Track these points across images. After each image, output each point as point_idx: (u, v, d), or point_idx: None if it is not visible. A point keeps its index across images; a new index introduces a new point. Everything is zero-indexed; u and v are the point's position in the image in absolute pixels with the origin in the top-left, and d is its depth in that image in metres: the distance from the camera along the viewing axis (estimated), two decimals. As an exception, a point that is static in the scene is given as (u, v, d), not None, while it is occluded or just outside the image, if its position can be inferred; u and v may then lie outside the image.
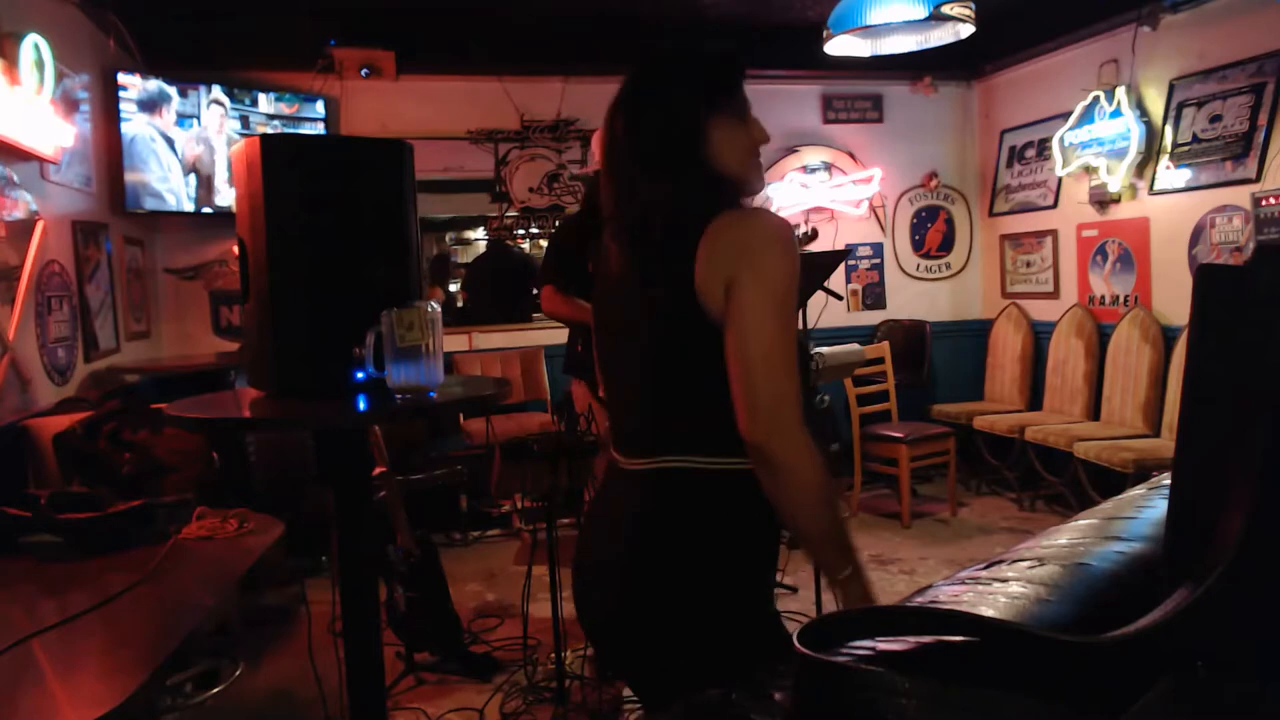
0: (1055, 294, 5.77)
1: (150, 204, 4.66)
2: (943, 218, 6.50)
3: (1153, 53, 4.92)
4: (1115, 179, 5.11)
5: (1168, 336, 4.83)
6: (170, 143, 4.77)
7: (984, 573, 1.19)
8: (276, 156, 1.66)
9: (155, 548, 1.90)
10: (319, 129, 5.27)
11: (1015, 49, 5.85)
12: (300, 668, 2.83)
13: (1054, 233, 5.75)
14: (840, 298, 4.08)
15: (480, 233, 7.21)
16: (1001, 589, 1.10)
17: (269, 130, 5.13)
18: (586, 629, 1.52)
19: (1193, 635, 0.83)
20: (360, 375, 1.63)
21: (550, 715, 3.04)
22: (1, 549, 1.95)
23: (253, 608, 3.83)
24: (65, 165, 3.70)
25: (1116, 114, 5.05)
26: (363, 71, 5.27)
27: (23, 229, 3.24)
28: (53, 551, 1.94)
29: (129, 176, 4.53)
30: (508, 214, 5.73)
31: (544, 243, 5.42)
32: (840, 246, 5.93)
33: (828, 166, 6.20)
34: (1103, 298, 5.37)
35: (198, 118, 4.90)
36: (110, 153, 4.47)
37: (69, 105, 3.76)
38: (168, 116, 4.75)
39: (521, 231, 5.79)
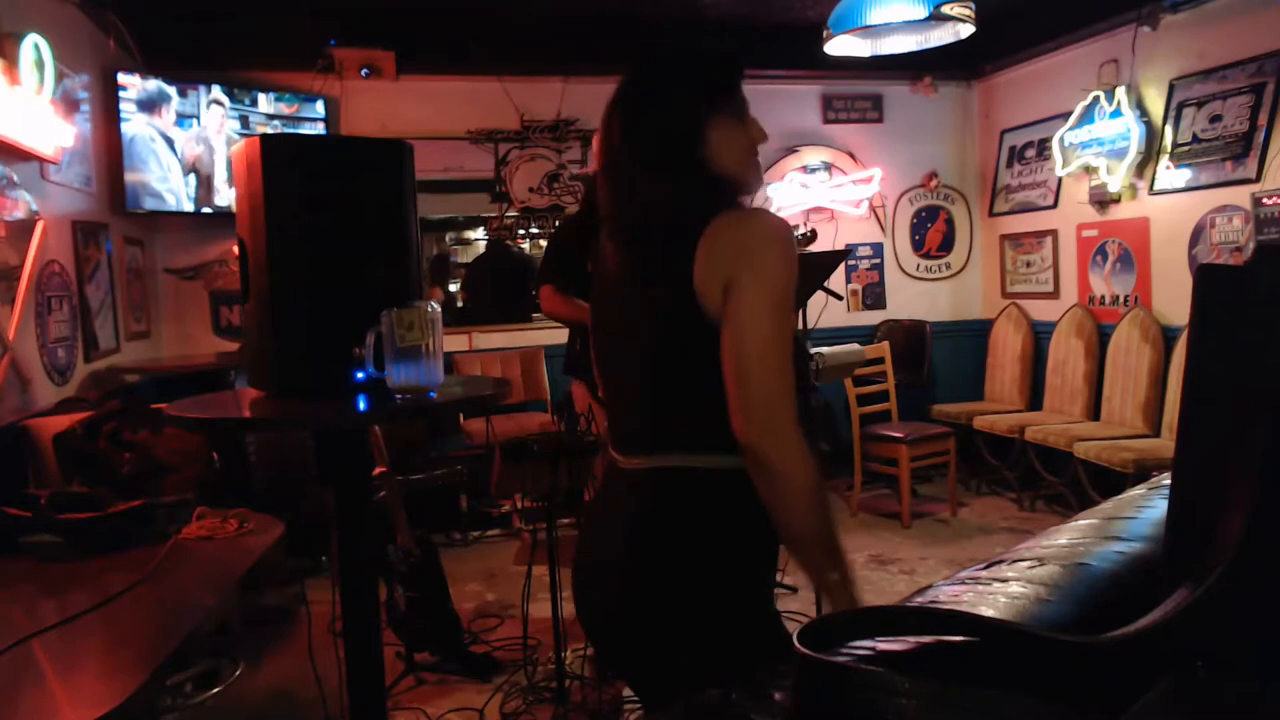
0: (1055, 294, 5.77)
1: (150, 204, 4.66)
2: (943, 218, 6.50)
3: (1153, 53, 4.92)
4: (1115, 179, 5.11)
5: (1168, 336, 4.83)
6: (170, 143, 4.77)
7: (984, 573, 1.19)
8: (276, 156, 1.66)
9: (155, 548, 1.90)
10: (319, 129, 5.27)
11: (1015, 49, 5.85)
12: (300, 668, 2.83)
13: (1054, 233, 5.75)
14: (840, 298, 4.08)
15: (480, 233, 7.20)
16: (1001, 589, 1.10)
17: (269, 130, 5.13)
18: (586, 629, 1.52)
19: (1193, 635, 0.83)
20: (360, 375, 1.63)
21: (550, 715, 3.04)
22: (1, 549, 1.95)
23: (253, 608, 3.83)
24: (65, 165, 3.70)
25: (1116, 114, 5.05)
26: (363, 71, 5.27)
27: (23, 229, 3.24)
28: (53, 551, 1.94)
29: (129, 176, 4.53)
30: (508, 214, 5.73)
31: (544, 243, 5.42)
32: (840, 246, 5.93)
33: (828, 166, 6.20)
34: (1103, 298, 5.37)
35: (197, 118, 4.91)
36: (110, 153, 4.47)
37: (69, 105, 3.76)
38: (167, 116, 4.75)
39: (521, 231, 5.79)
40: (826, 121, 6.24)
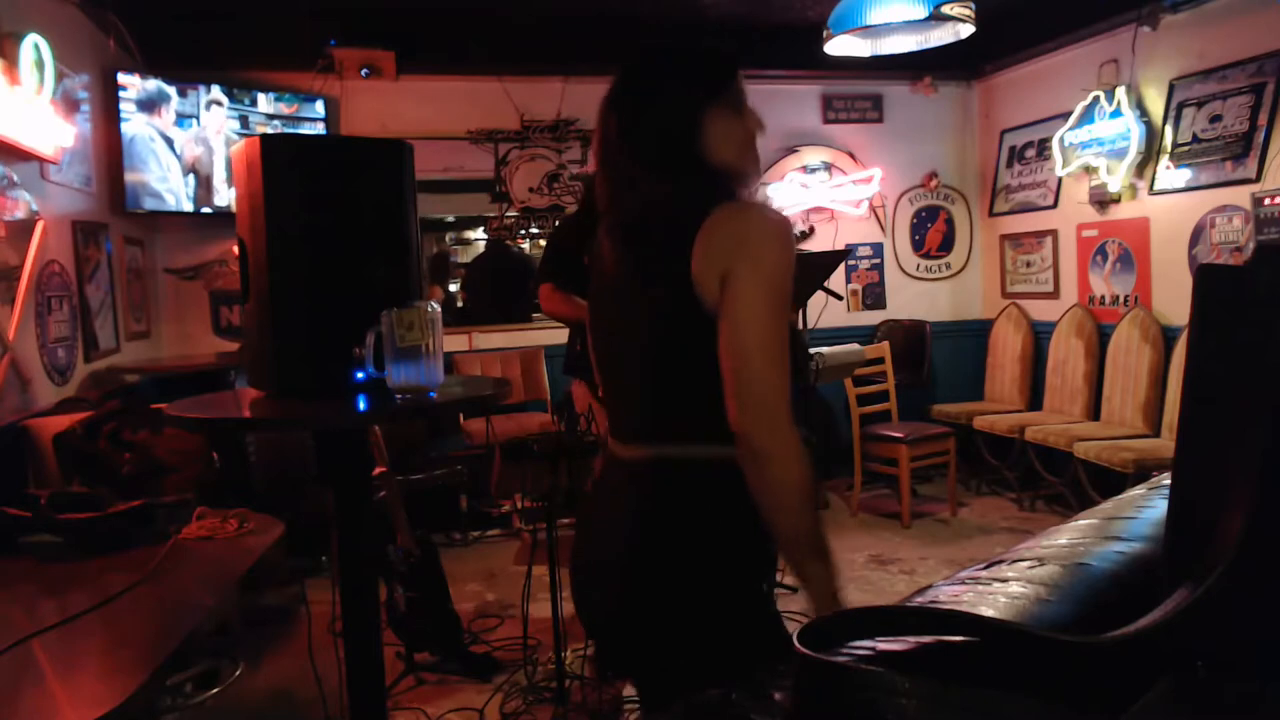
0: (1055, 294, 5.77)
1: (150, 204, 4.66)
2: (943, 218, 6.50)
3: (1153, 53, 4.92)
4: (1115, 179, 5.11)
5: (1168, 336, 4.83)
6: (170, 143, 4.77)
7: (984, 573, 1.19)
8: (276, 156, 1.66)
9: (155, 548, 1.90)
10: (319, 129, 5.27)
11: (1015, 49, 5.85)
12: (300, 668, 2.83)
13: (1054, 233, 5.75)
14: (840, 298, 4.08)
15: (480, 233, 7.21)
16: (1001, 589, 1.10)
17: (268, 130, 5.13)
18: (586, 625, 1.52)
19: (1193, 635, 0.83)
20: (360, 375, 1.63)
21: (550, 715, 3.04)
22: (1, 549, 1.95)
23: (253, 608, 3.83)
24: (65, 165, 3.70)
25: (1116, 114, 5.05)
26: (363, 71, 5.27)
27: (23, 229, 3.24)
28: (53, 551, 1.94)
29: (129, 176, 4.53)
30: (508, 214, 5.73)
31: (544, 243, 5.42)
32: (840, 246, 5.94)
33: (828, 166, 6.20)
34: (1103, 298, 5.37)
35: (197, 118, 4.91)
36: (110, 153, 4.47)
37: (69, 105, 3.76)
38: (167, 116, 4.75)
39: (521, 231, 5.79)
40: (826, 121, 6.24)
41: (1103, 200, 5.25)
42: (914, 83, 6.24)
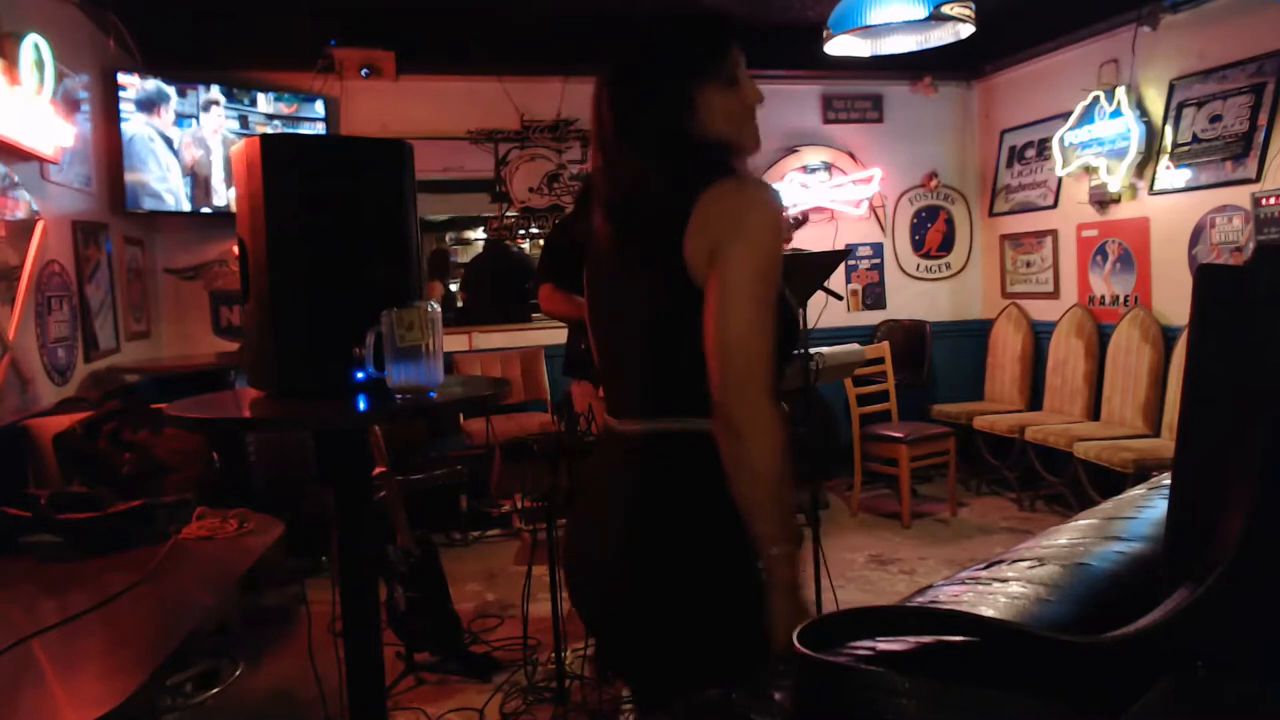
0: (1055, 294, 5.77)
1: (149, 204, 4.66)
2: (943, 218, 6.50)
3: (1153, 53, 4.92)
4: (1115, 179, 5.11)
5: (1168, 336, 4.83)
6: (169, 143, 4.77)
7: (984, 573, 1.19)
8: (276, 156, 1.66)
9: (155, 548, 1.90)
10: (318, 129, 5.27)
11: (1015, 49, 5.85)
12: (300, 668, 2.83)
13: (1054, 233, 5.75)
14: (840, 298, 4.08)
15: (480, 233, 7.20)
16: (1001, 589, 1.10)
17: (268, 130, 5.13)
18: (584, 620, 1.52)
19: (1193, 635, 0.83)
20: (360, 375, 1.63)
21: (550, 715, 3.04)
22: (1, 549, 1.95)
23: (253, 608, 3.83)
24: (65, 165, 3.70)
25: (1116, 114, 5.05)
26: (363, 71, 5.27)
27: (23, 229, 3.24)
28: (53, 551, 1.94)
29: (128, 176, 4.53)
30: (508, 214, 5.73)
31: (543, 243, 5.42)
32: (840, 246, 5.93)
33: (828, 166, 6.20)
34: (1103, 298, 5.37)
35: (196, 118, 4.90)
36: (110, 153, 4.47)
37: (69, 105, 3.76)
38: (166, 116, 4.75)
39: (521, 231, 5.79)
40: (826, 121, 6.24)
41: (1103, 200, 5.25)
42: (914, 83, 6.24)
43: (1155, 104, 4.92)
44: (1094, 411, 5.24)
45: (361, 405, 1.62)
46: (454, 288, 7.04)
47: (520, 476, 5.11)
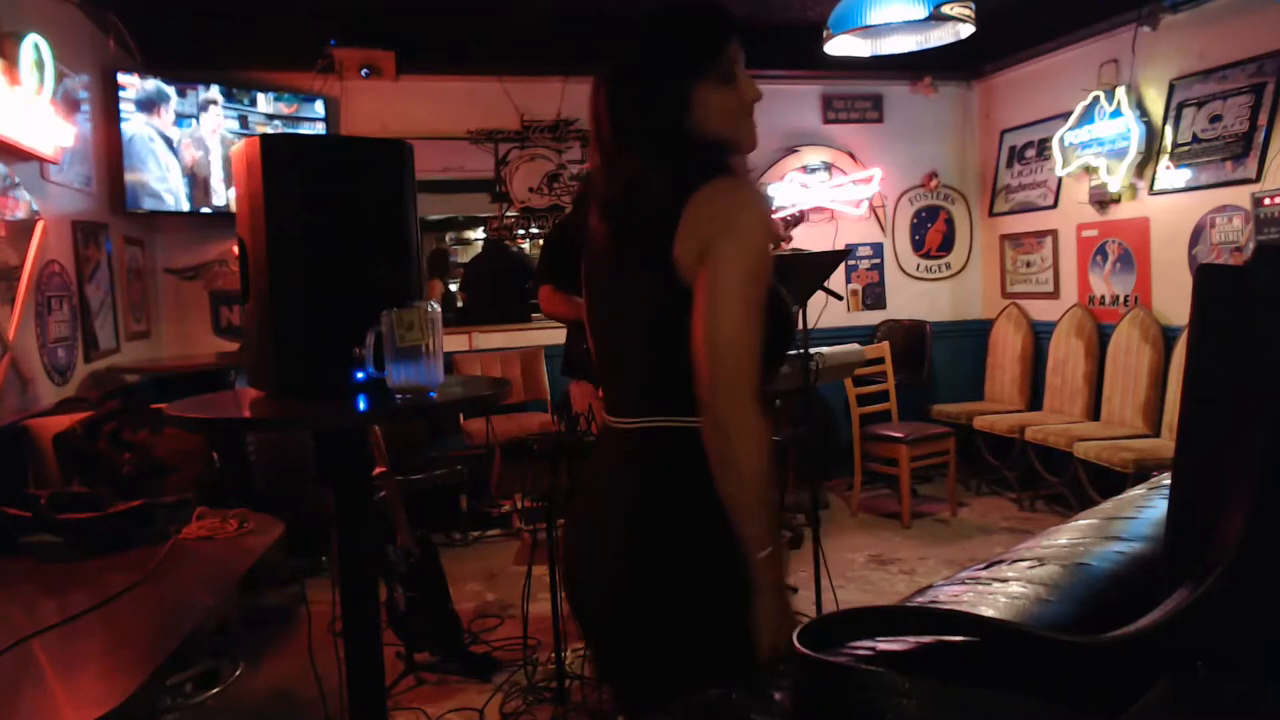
0: (1055, 294, 5.77)
1: (149, 204, 4.66)
2: (943, 218, 6.50)
3: (1153, 53, 4.92)
4: (1115, 179, 5.11)
5: (1168, 336, 4.83)
6: (169, 142, 4.77)
7: (984, 573, 1.19)
8: (276, 156, 1.66)
9: (155, 548, 1.90)
10: (318, 129, 5.27)
11: (1015, 49, 5.85)
12: (300, 668, 2.83)
13: (1054, 233, 5.75)
14: (840, 298, 4.08)
15: (480, 233, 7.21)
16: (1001, 589, 1.10)
17: (268, 130, 5.13)
18: (580, 621, 1.51)
19: (1193, 635, 0.83)
20: (360, 375, 1.63)
21: (550, 715, 3.04)
22: (1, 549, 1.95)
23: (253, 608, 3.83)
24: (65, 165, 3.70)
25: (1116, 114, 5.05)
26: (363, 71, 5.27)
27: (23, 229, 3.24)
28: (53, 551, 1.94)
29: (128, 176, 4.52)
30: (508, 214, 5.73)
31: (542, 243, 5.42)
32: (840, 246, 5.93)
33: (828, 166, 6.20)
34: (1103, 298, 5.37)
35: (196, 118, 4.90)
36: (110, 153, 4.47)
37: (69, 105, 3.76)
38: (166, 116, 4.75)
39: (521, 231, 5.79)
40: (826, 121, 6.24)
41: (1103, 200, 5.25)
42: (914, 83, 6.24)
43: (1155, 104, 4.92)
44: (1094, 411, 5.24)
45: (361, 405, 1.62)
46: (453, 288, 7.04)
47: (520, 476, 5.11)
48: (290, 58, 5.25)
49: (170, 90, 4.76)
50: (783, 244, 5.63)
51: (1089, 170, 5.30)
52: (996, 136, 6.27)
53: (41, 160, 3.43)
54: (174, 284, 5.23)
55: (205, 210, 4.97)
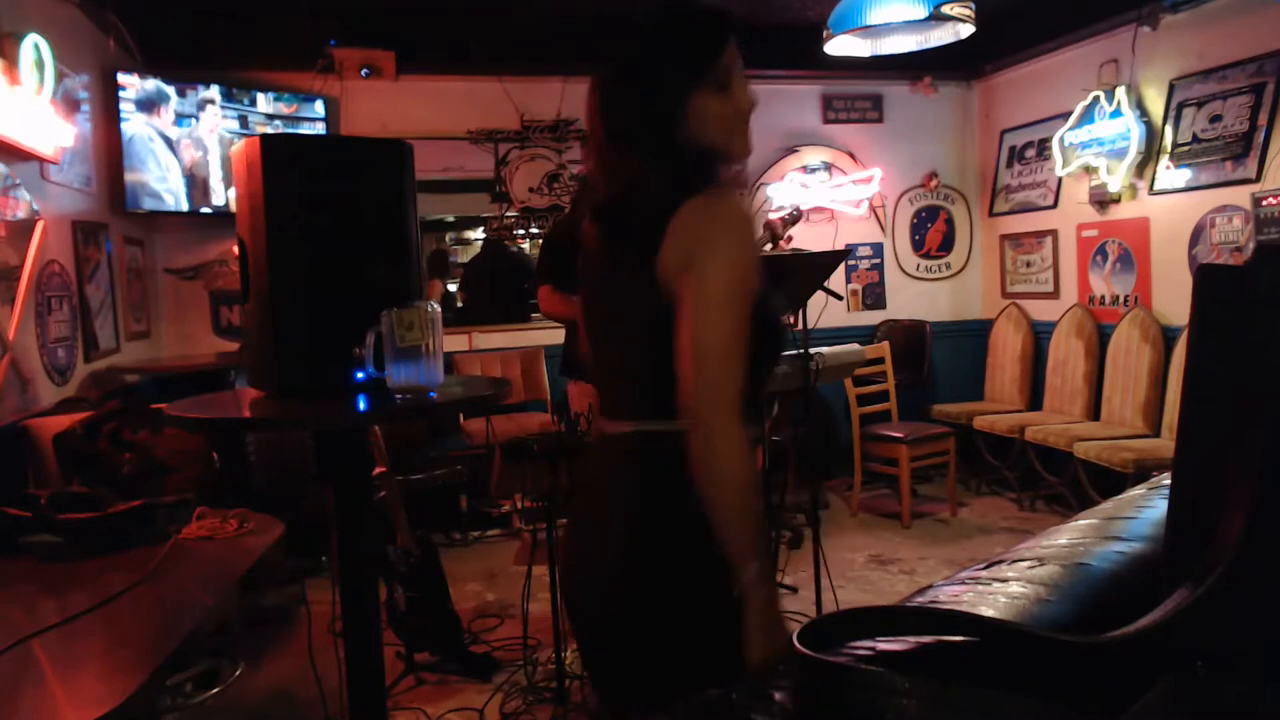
0: (1055, 294, 5.77)
1: (149, 204, 4.66)
2: (943, 218, 6.50)
3: (1153, 53, 4.92)
4: (1115, 179, 5.11)
5: (1168, 336, 4.83)
6: (169, 142, 4.77)
7: (984, 573, 1.19)
8: (276, 156, 1.66)
9: (155, 548, 1.90)
10: (318, 129, 5.27)
11: (1015, 49, 5.85)
12: (300, 668, 2.83)
13: (1054, 233, 5.75)
14: (840, 298, 4.08)
15: (480, 233, 7.21)
16: (1001, 589, 1.10)
17: (268, 130, 5.13)
18: (575, 623, 1.51)
19: (1193, 635, 0.83)
20: (360, 375, 1.63)
21: (550, 715, 3.04)
22: (1, 549, 1.95)
23: (253, 608, 3.83)
24: (65, 165, 3.70)
25: (1116, 114, 5.05)
26: (363, 71, 5.27)
27: (23, 229, 3.24)
28: (53, 551, 1.94)
29: (128, 176, 4.52)
30: (508, 214, 5.73)
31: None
32: (840, 246, 5.93)
33: (828, 166, 6.20)
34: (1103, 298, 5.37)
35: (196, 117, 4.90)
36: (110, 153, 4.47)
37: (69, 105, 3.76)
38: (166, 116, 4.75)
39: (521, 231, 5.79)
40: (826, 121, 6.23)
41: (1103, 200, 5.25)
42: (914, 83, 6.24)
43: (1155, 104, 4.92)
44: (1094, 411, 5.23)
45: (361, 405, 1.62)
46: (453, 288, 7.04)
47: (520, 476, 5.11)
48: (290, 58, 5.25)
49: (170, 90, 4.76)
50: (782, 244, 5.63)
51: (1089, 170, 5.30)
52: (996, 136, 6.27)
53: (41, 160, 3.43)
54: (174, 284, 5.23)
55: (205, 210, 4.97)
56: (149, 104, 4.65)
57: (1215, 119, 4.56)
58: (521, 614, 3.31)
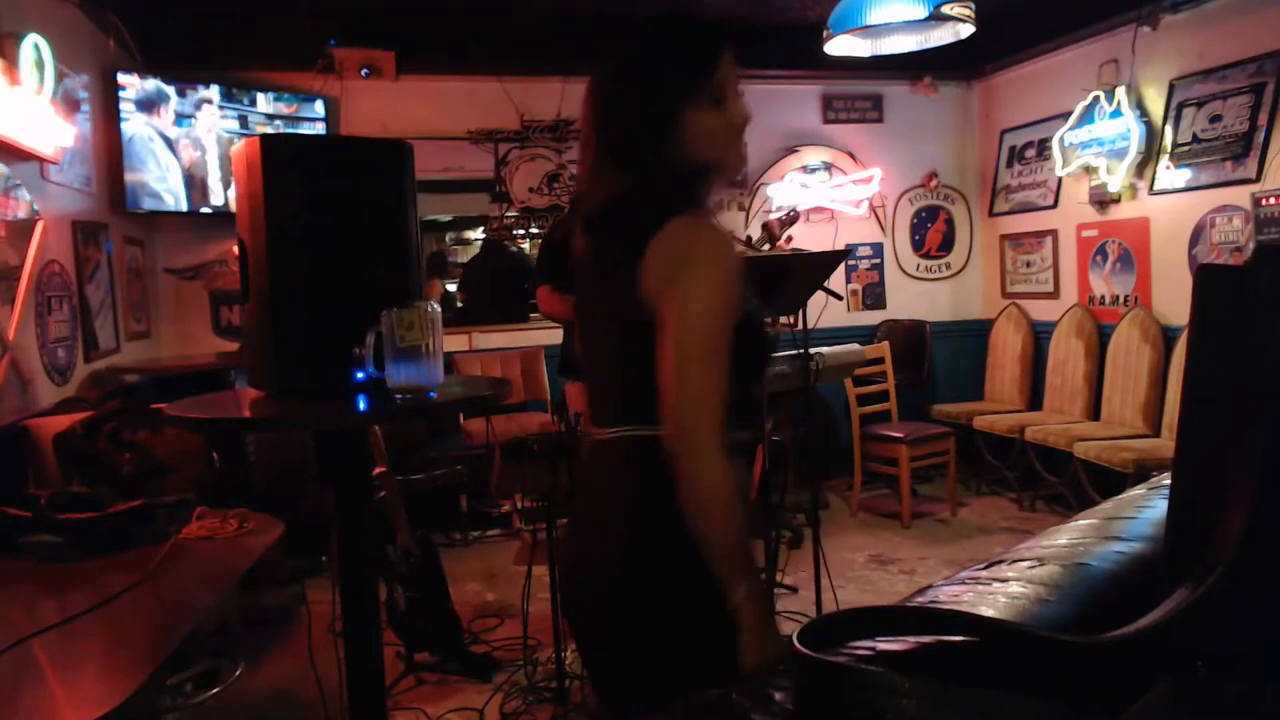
0: (1055, 294, 5.77)
1: (149, 204, 4.66)
2: (943, 218, 6.50)
3: (1153, 53, 4.92)
4: (1115, 179, 5.11)
5: (1168, 336, 4.83)
6: (169, 142, 4.77)
7: (984, 573, 1.19)
8: (276, 156, 1.66)
9: (155, 548, 1.90)
10: (318, 129, 5.26)
11: (1015, 49, 5.85)
12: (300, 668, 2.83)
13: (1054, 233, 5.75)
14: (840, 298, 4.08)
15: (480, 233, 7.21)
16: (1001, 589, 1.10)
17: (268, 130, 5.13)
18: (573, 624, 1.52)
19: (1193, 635, 0.83)
20: (360, 375, 1.63)
21: (550, 715, 3.04)
22: (1, 549, 1.95)
23: (253, 608, 3.83)
24: (65, 165, 3.70)
25: (1116, 114, 5.05)
26: (363, 71, 5.27)
27: (23, 229, 3.24)
28: (53, 551, 1.94)
29: (128, 176, 4.52)
30: (508, 214, 5.73)
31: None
32: (840, 246, 5.93)
33: (828, 166, 6.20)
34: (1103, 298, 5.37)
35: (194, 117, 4.90)
36: (110, 153, 4.47)
37: (69, 105, 3.76)
38: (166, 116, 4.75)
39: (521, 231, 5.79)
40: (826, 121, 6.23)
41: (1103, 200, 5.25)
42: (914, 83, 6.24)
43: (1155, 104, 4.92)
44: (1094, 411, 5.23)
45: (361, 405, 1.62)
46: (451, 288, 7.04)
47: (520, 476, 5.11)
48: (290, 58, 5.25)
49: (170, 90, 4.76)
50: (782, 244, 5.63)
51: (1089, 170, 5.30)
52: (996, 136, 6.27)
53: (41, 160, 3.43)
54: (174, 284, 5.23)
55: (205, 210, 4.96)
56: (149, 104, 4.65)
57: (1215, 119, 4.56)
58: (521, 614, 3.31)
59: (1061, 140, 5.46)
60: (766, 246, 3.58)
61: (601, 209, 1.40)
